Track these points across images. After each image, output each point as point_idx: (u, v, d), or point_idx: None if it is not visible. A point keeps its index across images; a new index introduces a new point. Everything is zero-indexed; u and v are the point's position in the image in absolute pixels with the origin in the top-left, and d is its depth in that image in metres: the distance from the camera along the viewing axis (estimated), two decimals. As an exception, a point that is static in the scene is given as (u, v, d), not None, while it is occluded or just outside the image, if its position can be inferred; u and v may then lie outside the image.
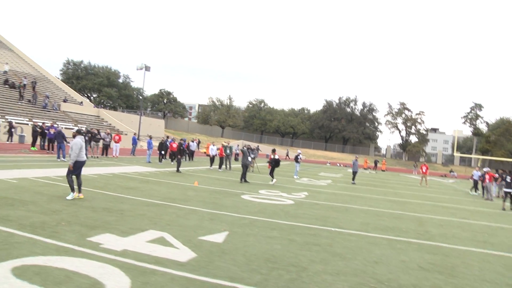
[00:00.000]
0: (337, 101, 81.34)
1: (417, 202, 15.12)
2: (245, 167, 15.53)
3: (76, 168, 8.16)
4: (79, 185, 8.24)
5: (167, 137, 25.57)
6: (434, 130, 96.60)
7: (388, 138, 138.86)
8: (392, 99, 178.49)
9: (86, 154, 20.47)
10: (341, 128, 76.55)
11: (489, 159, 48.94)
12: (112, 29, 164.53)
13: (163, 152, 22.90)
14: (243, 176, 15.62)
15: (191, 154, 26.86)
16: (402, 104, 70.24)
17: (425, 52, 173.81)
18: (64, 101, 37.45)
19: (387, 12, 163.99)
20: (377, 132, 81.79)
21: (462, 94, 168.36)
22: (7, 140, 24.84)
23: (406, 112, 69.75)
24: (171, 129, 63.47)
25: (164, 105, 74.07)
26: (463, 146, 78.98)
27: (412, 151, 67.26)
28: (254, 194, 12.42)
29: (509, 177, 15.52)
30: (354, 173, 21.36)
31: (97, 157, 21.41)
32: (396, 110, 70.61)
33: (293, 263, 5.38)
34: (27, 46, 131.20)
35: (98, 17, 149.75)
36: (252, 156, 23.52)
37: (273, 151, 18.05)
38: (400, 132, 71.29)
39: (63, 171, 13.31)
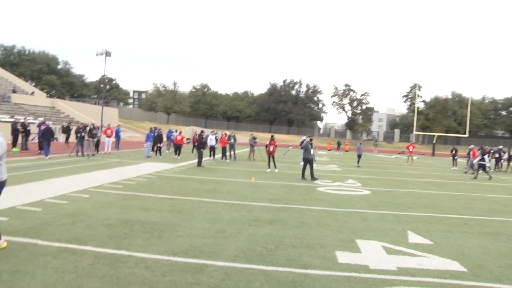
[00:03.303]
0: (282, 84, 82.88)
1: (448, 182, 16.03)
2: (308, 162, 13.92)
3: None
4: None
5: (155, 128, 23.85)
6: (369, 109, 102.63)
7: (324, 118, 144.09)
8: (328, 81, 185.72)
9: (82, 152, 18.47)
10: (288, 111, 78.13)
11: (430, 135, 53.38)
12: (40, 9, 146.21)
13: (160, 145, 21.42)
14: (311, 173, 13.89)
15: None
16: (347, 85, 73.53)
17: (355, 32, 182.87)
18: (14, 91, 32.78)
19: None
20: (321, 114, 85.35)
21: (391, 72, 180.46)
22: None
23: (352, 93, 73.17)
24: (120, 118, 59.28)
25: (107, 92, 68.74)
26: (400, 123, 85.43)
27: (358, 130, 71.14)
28: (322, 187, 12.16)
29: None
30: (359, 156, 22.04)
31: (93, 154, 19.22)
32: (342, 92, 73.66)
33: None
34: None
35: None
36: (253, 144, 22.98)
37: (272, 138, 17.42)
38: (346, 112, 74.69)
39: (98, 176, 11.76)
